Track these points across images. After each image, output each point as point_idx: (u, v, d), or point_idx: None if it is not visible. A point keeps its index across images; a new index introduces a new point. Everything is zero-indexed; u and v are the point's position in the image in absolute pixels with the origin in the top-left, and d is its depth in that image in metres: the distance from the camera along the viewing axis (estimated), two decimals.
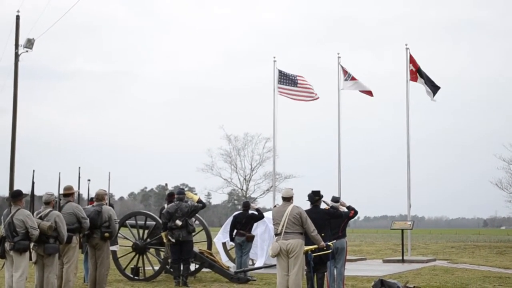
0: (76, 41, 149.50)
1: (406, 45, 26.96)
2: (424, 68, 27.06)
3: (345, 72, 27.15)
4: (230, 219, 18.88)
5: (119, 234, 16.39)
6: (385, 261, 24.55)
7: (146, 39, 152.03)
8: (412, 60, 26.90)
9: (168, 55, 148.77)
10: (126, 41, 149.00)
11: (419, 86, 27.25)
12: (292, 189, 12.51)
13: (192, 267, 16.90)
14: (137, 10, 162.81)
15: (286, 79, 27.01)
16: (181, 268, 15.66)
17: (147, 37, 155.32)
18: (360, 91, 27.39)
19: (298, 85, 26.93)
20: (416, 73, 26.84)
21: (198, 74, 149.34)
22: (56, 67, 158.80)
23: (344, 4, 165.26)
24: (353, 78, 27.11)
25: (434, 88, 26.94)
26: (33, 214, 12.04)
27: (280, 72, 27.12)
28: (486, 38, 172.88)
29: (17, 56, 33.81)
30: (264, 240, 19.79)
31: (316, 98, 27.11)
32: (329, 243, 13.11)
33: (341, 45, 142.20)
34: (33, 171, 13.26)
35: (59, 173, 13.51)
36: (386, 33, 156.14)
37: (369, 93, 27.44)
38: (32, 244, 11.66)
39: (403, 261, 23.83)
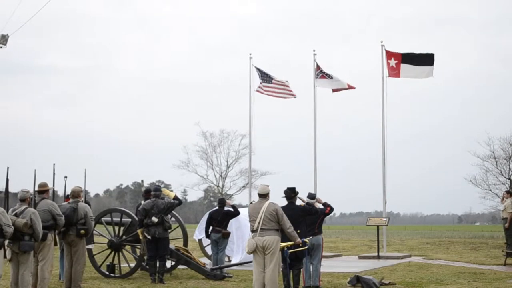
0: (49, 36, 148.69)
1: (381, 42, 26.97)
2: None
3: (318, 69, 27.17)
4: (206, 216, 18.85)
5: (94, 231, 16.33)
6: (360, 257, 24.65)
7: (120, 33, 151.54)
8: (391, 55, 26.73)
9: (143, 49, 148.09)
10: (99, 35, 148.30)
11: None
12: (268, 186, 12.52)
13: (168, 264, 16.88)
14: (110, 3, 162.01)
15: (264, 77, 27.12)
16: (157, 265, 15.64)
17: (121, 30, 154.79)
18: (335, 89, 27.36)
19: (273, 82, 27.08)
20: (399, 67, 26.54)
21: (173, 68, 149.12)
22: (30, 62, 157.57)
23: None
24: (322, 77, 27.10)
25: (428, 59, 26.65)
26: (7, 211, 11.95)
27: (258, 69, 27.24)
28: (462, 33, 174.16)
29: None
30: (239, 237, 19.79)
31: (293, 96, 27.24)
32: (305, 240, 13.16)
33: (318, 41, 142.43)
34: (7, 168, 13.19)
35: (35, 170, 13.45)
36: (363, 28, 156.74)
37: (349, 87, 27.35)
38: (6, 241, 11.58)
39: (378, 257, 23.94)
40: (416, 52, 26.56)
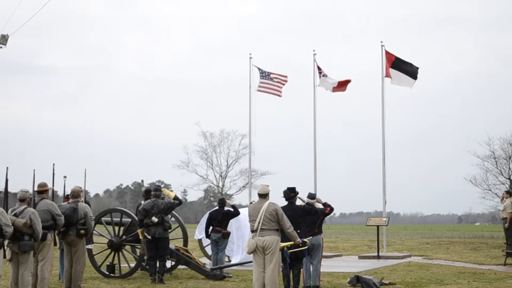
0: (49, 36, 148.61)
1: (381, 42, 27.04)
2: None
3: (319, 69, 27.24)
4: (206, 216, 18.84)
5: (94, 232, 16.32)
6: (360, 257, 24.64)
7: (120, 33, 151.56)
8: (387, 56, 26.81)
9: (143, 49, 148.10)
10: (99, 35, 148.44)
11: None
12: (268, 186, 12.49)
13: (168, 264, 16.87)
14: (110, 3, 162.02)
15: (264, 75, 27.20)
16: (157, 265, 15.63)
17: (121, 30, 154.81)
18: (334, 88, 27.43)
19: (273, 79, 27.17)
20: (388, 71, 26.69)
21: (173, 68, 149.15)
22: (30, 62, 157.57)
23: None
24: (320, 77, 27.21)
25: (413, 72, 26.76)
26: (7, 211, 11.93)
27: (258, 69, 27.31)
28: (462, 33, 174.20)
29: None
30: (239, 237, 19.78)
31: (278, 92, 27.37)
32: (305, 240, 13.15)
33: (318, 41, 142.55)
34: (7, 168, 13.18)
35: (34, 170, 13.45)
36: (363, 28, 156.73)
37: (345, 84, 27.46)
38: (6, 241, 11.56)
39: (378, 257, 23.93)
40: (408, 60, 26.87)
